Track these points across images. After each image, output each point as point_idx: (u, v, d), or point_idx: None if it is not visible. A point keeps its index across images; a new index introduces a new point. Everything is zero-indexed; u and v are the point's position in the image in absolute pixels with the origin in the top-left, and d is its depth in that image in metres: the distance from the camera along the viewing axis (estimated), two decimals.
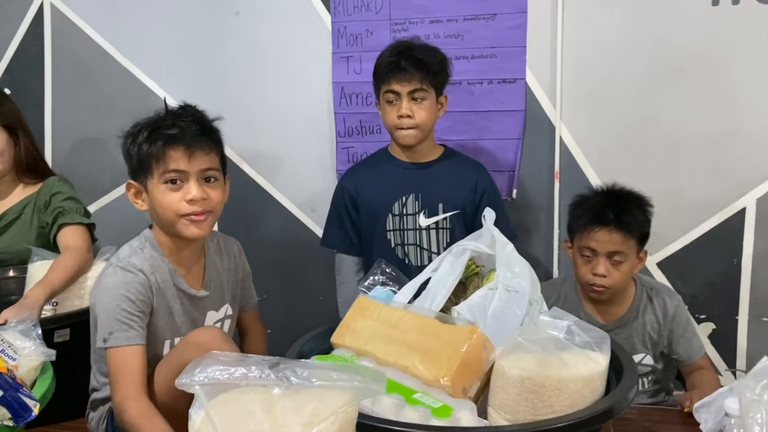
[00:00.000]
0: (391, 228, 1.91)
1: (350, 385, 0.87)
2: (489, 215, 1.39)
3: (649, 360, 1.70)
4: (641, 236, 1.67)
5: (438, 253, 1.86)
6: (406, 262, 1.90)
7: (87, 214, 1.95)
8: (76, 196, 1.97)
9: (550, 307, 1.68)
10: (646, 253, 1.70)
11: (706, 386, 1.54)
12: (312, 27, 2.23)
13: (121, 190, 2.36)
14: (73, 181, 2.06)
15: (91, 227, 1.92)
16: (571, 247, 1.73)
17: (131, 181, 1.43)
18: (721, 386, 1.75)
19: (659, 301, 1.70)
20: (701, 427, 1.25)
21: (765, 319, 2.05)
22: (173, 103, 2.27)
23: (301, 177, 2.34)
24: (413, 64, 1.79)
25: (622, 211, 1.63)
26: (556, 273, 2.16)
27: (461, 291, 1.41)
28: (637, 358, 1.68)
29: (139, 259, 1.39)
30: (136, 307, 1.35)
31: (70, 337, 1.57)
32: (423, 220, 1.90)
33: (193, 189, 1.37)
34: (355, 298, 1.95)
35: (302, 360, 0.99)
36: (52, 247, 1.87)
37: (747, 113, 1.97)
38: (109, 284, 1.36)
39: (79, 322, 1.54)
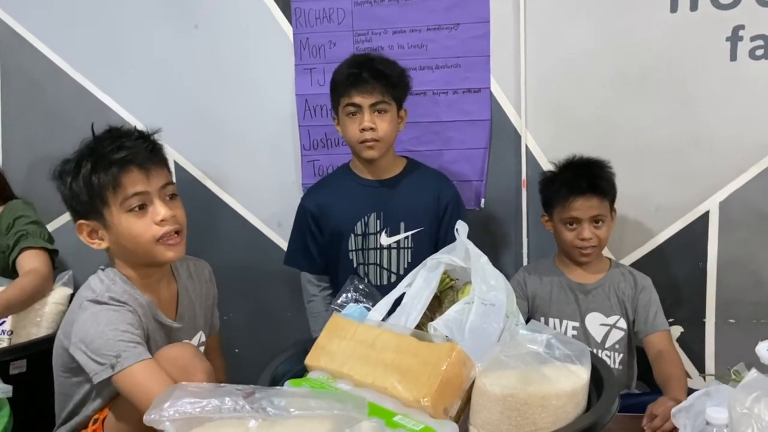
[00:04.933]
0: (354, 248, 1.89)
1: (330, 413, 0.83)
2: (462, 228, 1.37)
3: (623, 323, 1.83)
4: (612, 197, 1.85)
5: (397, 273, 1.88)
6: (366, 281, 1.87)
7: (50, 239, 1.89)
8: (40, 221, 1.91)
9: (535, 281, 1.89)
10: (615, 211, 1.88)
11: (674, 387, 1.58)
12: (273, 39, 2.19)
13: None
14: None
15: (53, 253, 1.85)
16: (549, 220, 1.88)
17: (83, 222, 1.32)
18: (687, 376, 1.93)
19: (632, 275, 1.87)
20: None
21: (731, 320, 2.08)
22: (130, 120, 2.27)
23: (266, 191, 2.29)
24: (375, 76, 1.77)
25: (593, 177, 1.81)
26: None
27: (436, 305, 1.38)
28: (612, 319, 1.84)
29: (117, 294, 1.30)
30: (135, 330, 1.26)
31: (27, 368, 1.49)
32: (384, 239, 1.88)
33: (160, 209, 1.29)
34: (320, 314, 1.95)
35: (278, 388, 0.94)
36: (11, 271, 1.80)
37: (708, 118, 2.00)
38: (97, 316, 1.25)
39: (37, 353, 1.47)
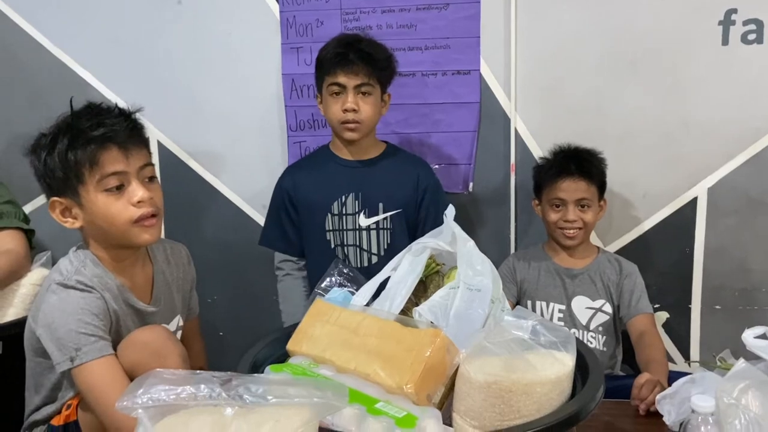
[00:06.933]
0: (331, 228, 1.87)
1: (309, 401, 0.81)
2: (449, 212, 1.34)
3: (608, 308, 1.86)
4: (601, 184, 1.88)
5: (378, 255, 1.87)
6: (346, 263, 1.85)
7: (26, 219, 1.85)
8: (16, 200, 1.87)
9: (524, 266, 1.92)
10: (605, 201, 1.91)
11: (655, 370, 1.57)
12: (259, 16, 2.15)
13: None
14: (2, 180, 1.94)
15: (29, 233, 1.81)
16: (539, 204, 1.91)
17: (56, 199, 1.27)
18: (671, 360, 1.99)
19: (618, 262, 1.90)
20: (665, 419, 1.24)
21: (717, 307, 2.08)
22: (111, 97, 2.21)
23: (252, 173, 2.25)
24: (361, 57, 1.75)
25: (582, 161, 1.85)
26: None
27: (421, 290, 1.36)
28: (598, 303, 1.87)
29: (86, 277, 1.26)
30: (100, 321, 1.23)
31: (3, 351, 1.46)
32: (363, 220, 1.86)
33: (138, 190, 1.26)
34: (292, 291, 1.94)
35: (256, 375, 0.92)
36: None
37: (698, 103, 1.99)
38: (64, 302, 1.22)
39: (14, 335, 1.43)
